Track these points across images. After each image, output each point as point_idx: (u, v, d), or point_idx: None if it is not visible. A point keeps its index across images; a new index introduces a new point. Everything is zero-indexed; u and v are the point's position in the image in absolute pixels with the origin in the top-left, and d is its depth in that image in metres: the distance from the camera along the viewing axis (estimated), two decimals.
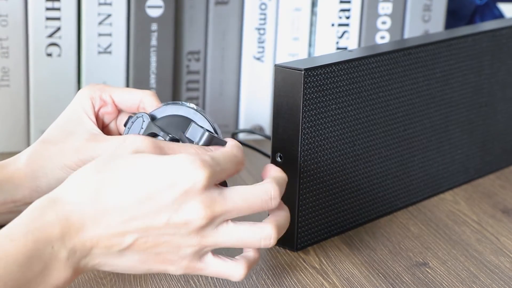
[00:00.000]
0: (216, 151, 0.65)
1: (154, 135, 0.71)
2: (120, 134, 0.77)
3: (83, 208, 0.60)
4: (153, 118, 0.72)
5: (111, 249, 0.61)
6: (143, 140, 0.64)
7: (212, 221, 0.62)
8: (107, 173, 0.61)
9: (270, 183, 0.65)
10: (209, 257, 0.64)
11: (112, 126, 0.77)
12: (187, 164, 0.61)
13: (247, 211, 0.63)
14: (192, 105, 0.72)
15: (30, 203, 0.74)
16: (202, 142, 0.68)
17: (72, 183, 0.62)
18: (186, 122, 0.72)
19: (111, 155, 0.63)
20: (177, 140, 0.70)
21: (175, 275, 0.71)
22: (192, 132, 0.69)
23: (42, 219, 0.59)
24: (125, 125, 0.74)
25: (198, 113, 0.72)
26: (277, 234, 0.65)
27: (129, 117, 0.74)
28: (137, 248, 0.62)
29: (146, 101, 0.75)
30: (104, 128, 0.77)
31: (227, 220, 0.63)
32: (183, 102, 0.73)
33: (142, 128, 0.72)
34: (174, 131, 0.71)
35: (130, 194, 0.61)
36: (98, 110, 0.76)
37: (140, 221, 0.61)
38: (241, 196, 0.63)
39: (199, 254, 0.64)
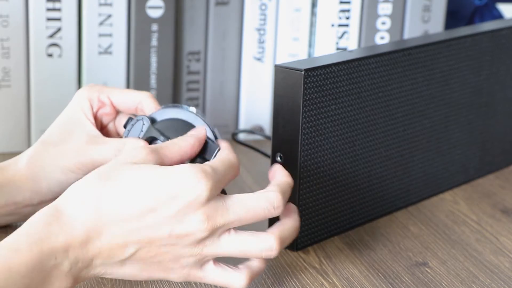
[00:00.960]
0: (214, 160, 0.66)
1: (153, 138, 0.71)
2: (118, 135, 0.77)
3: (87, 221, 0.60)
4: (152, 120, 0.72)
5: (112, 259, 0.61)
6: (139, 151, 0.64)
7: (214, 232, 0.62)
8: (109, 184, 0.61)
9: (274, 191, 0.64)
10: (210, 265, 0.64)
11: (110, 126, 0.77)
12: (190, 176, 0.61)
13: (249, 221, 0.63)
14: (192, 108, 0.72)
15: (31, 204, 0.74)
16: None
17: (76, 194, 0.61)
18: (186, 126, 0.72)
19: (114, 164, 0.63)
20: None
21: None
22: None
23: (47, 230, 0.59)
24: (124, 127, 0.74)
25: (198, 117, 0.72)
26: (279, 245, 0.64)
27: (129, 119, 0.74)
28: (138, 258, 0.62)
29: (144, 103, 0.75)
30: (103, 129, 0.77)
31: (229, 230, 0.63)
32: (183, 105, 0.73)
33: (142, 131, 0.72)
34: (174, 134, 0.71)
35: (132, 206, 0.61)
36: (97, 112, 0.76)
37: (143, 233, 0.61)
38: (243, 206, 0.63)
39: (200, 263, 0.64)
